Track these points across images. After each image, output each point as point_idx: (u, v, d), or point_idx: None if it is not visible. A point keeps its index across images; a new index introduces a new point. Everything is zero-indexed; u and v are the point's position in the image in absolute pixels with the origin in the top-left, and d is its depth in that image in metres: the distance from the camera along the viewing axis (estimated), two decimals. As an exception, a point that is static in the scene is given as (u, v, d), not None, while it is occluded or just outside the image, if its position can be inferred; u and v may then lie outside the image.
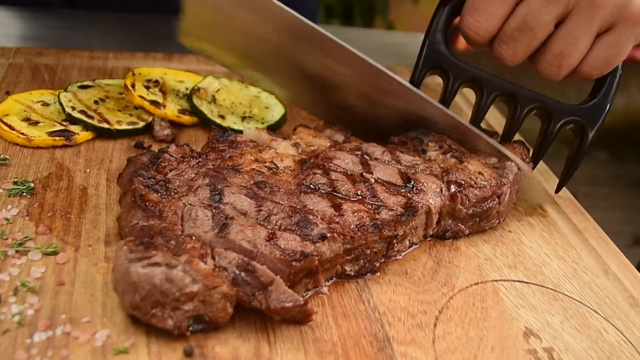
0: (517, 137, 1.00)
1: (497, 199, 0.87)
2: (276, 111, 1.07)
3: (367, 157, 0.88)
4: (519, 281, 0.83)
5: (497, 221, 0.90)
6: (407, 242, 0.82)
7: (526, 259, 0.87)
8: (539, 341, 0.75)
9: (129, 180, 0.77)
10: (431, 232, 0.85)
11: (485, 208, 0.86)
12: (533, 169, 0.97)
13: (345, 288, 0.76)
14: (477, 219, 0.87)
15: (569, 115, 0.94)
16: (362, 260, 0.77)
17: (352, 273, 0.77)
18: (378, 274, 0.79)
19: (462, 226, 0.87)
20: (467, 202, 0.85)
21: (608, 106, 0.94)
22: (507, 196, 0.88)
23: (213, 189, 0.76)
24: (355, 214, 0.77)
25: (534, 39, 0.88)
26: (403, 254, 0.83)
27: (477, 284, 0.81)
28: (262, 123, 1.03)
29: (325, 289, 0.75)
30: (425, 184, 0.84)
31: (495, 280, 0.82)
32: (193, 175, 0.79)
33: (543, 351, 0.73)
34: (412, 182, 0.84)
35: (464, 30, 0.90)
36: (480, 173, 0.89)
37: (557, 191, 1.01)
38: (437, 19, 0.94)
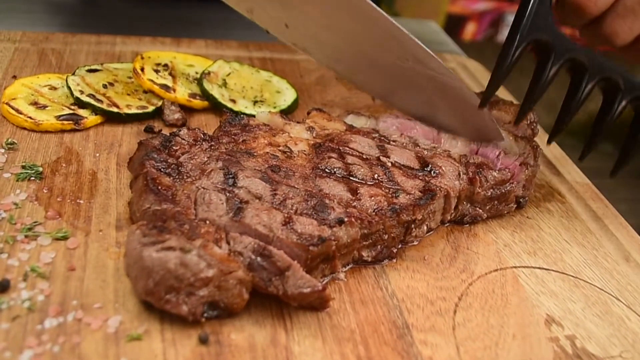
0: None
1: (515, 182, 0.85)
2: (288, 95, 1.05)
3: (385, 140, 0.86)
4: (539, 268, 0.81)
5: (515, 206, 0.88)
6: (425, 228, 0.80)
7: (545, 246, 0.85)
8: (561, 329, 0.73)
9: (141, 163, 0.75)
10: (449, 217, 0.83)
11: (503, 191, 0.84)
12: (581, 159, 0.89)
13: (362, 274, 0.75)
14: (496, 202, 0.85)
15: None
16: (379, 246, 0.75)
17: (369, 259, 0.75)
18: (395, 260, 0.77)
19: (480, 210, 0.85)
20: (486, 184, 0.83)
21: None
22: (525, 179, 0.87)
23: (227, 173, 0.74)
24: (373, 198, 0.75)
25: None
26: (420, 239, 0.81)
27: (496, 270, 0.79)
28: (274, 107, 1.01)
29: (342, 275, 0.73)
30: (443, 168, 0.82)
31: (515, 267, 0.80)
32: (206, 159, 0.77)
33: (565, 339, 0.71)
34: (430, 166, 0.82)
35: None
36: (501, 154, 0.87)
37: (612, 175, 0.89)
38: None
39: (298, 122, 0.88)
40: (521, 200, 0.88)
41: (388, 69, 0.88)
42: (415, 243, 0.80)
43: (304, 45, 0.91)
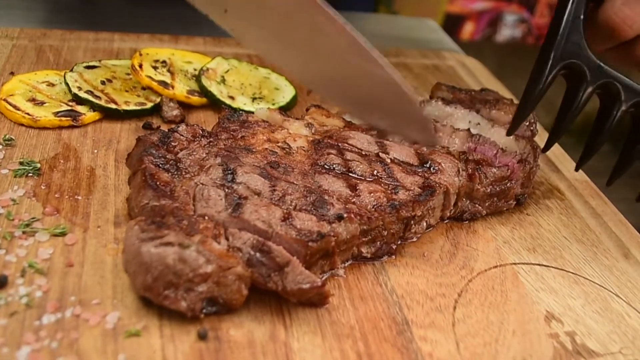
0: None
1: (514, 179, 0.85)
2: (287, 92, 1.05)
3: (384, 136, 0.86)
4: (539, 264, 0.81)
5: (514, 203, 0.88)
6: (424, 224, 0.80)
7: (545, 242, 0.85)
8: (560, 325, 0.72)
9: (139, 159, 0.74)
10: (448, 214, 0.83)
11: (502, 187, 0.84)
12: (577, 169, 0.88)
13: (361, 270, 0.74)
14: (495, 199, 0.85)
15: None
16: (378, 242, 0.75)
17: (369, 255, 0.75)
18: (395, 256, 0.77)
19: (480, 207, 0.84)
20: (485, 181, 0.83)
21: None
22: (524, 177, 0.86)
23: (225, 169, 0.74)
24: (372, 194, 0.75)
25: None
26: (420, 235, 0.81)
27: (496, 267, 0.79)
28: (273, 104, 1.01)
29: (341, 272, 0.73)
30: (442, 164, 0.82)
31: (515, 264, 0.80)
32: (204, 155, 0.77)
33: (565, 335, 0.71)
34: (429, 163, 0.82)
35: (615, 22, 0.77)
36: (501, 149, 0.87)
37: (608, 184, 0.86)
38: (573, 3, 0.74)
39: (297, 119, 0.88)
40: (520, 197, 0.88)
41: (323, 60, 0.83)
42: (415, 239, 0.80)
43: (242, 33, 0.86)
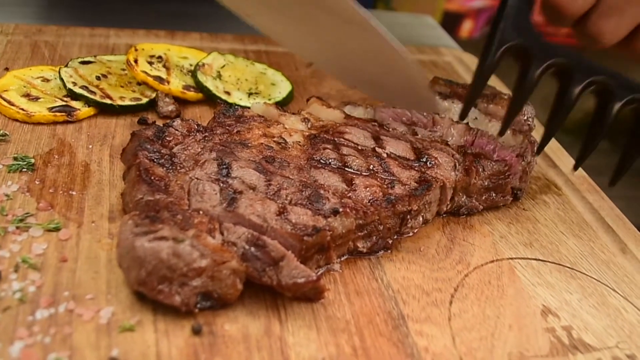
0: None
1: (512, 173, 0.85)
2: (283, 88, 1.04)
3: (383, 130, 0.86)
4: (535, 259, 0.81)
5: (511, 198, 0.88)
6: (421, 219, 0.79)
7: (542, 237, 0.85)
8: (557, 319, 0.72)
9: (134, 154, 0.74)
10: (445, 209, 0.82)
11: (500, 182, 0.84)
12: (575, 169, 0.85)
13: (357, 265, 0.74)
14: (492, 193, 0.84)
15: None
16: (374, 237, 0.74)
17: (365, 250, 0.75)
18: (391, 251, 0.77)
19: (476, 202, 0.84)
20: (483, 174, 0.83)
21: None
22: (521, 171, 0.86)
23: (220, 163, 0.73)
24: (368, 188, 0.75)
25: None
26: (416, 230, 0.80)
27: (492, 261, 0.79)
28: (269, 99, 1.01)
29: (337, 266, 0.73)
30: (439, 159, 0.81)
31: (511, 258, 0.80)
32: (199, 150, 0.76)
33: (562, 329, 0.71)
34: (426, 157, 0.81)
35: None
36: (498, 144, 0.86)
37: (611, 184, 0.83)
38: None
39: (293, 114, 0.87)
40: (517, 192, 0.88)
41: (323, 32, 0.82)
42: (411, 234, 0.80)
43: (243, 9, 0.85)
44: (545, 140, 0.81)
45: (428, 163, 0.81)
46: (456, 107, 0.93)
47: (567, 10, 0.74)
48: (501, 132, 0.81)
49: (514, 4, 0.73)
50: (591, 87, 0.76)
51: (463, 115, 0.79)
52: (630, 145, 0.80)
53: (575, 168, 0.84)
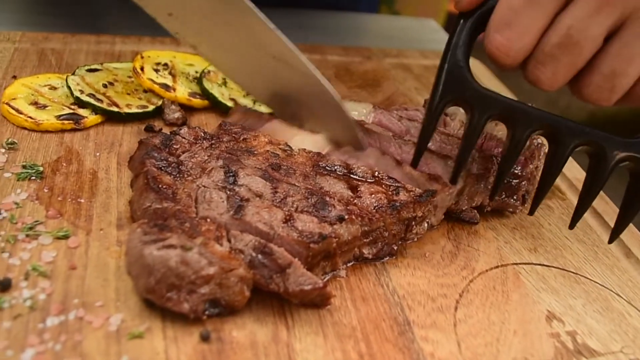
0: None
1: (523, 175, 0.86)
2: (288, 94, 1.05)
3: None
4: (540, 264, 0.81)
5: (521, 207, 0.88)
6: (426, 225, 0.80)
7: (546, 242, 0.85)
8: (562, 325, 0.73)
9: (141, 162, 0.75)
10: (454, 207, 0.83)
11: (512, 183, 0.84)
12: (571, 227, 0.81)
13: (363, 271, 0.75)
14: (503, 194, 0.85)
15: (626, 150, 0.75)
16: (380, 243, 0.75)
17: (370, 256, 0.75)
18: (396, 257, 0.78)
19: (487, 202, 0.85)
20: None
21: None
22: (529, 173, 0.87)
23: (227, 171, 0.74)
24: (373, 195, 0.75)
25: (579, 56, 0.70)
26: (421, 236, 0.81)
27: (497, 267, 0.79)
28: (274, 106, 1.01)
29: (342, 273, 0.73)
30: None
31: (516, 264, 0.80)
32: (206, 158, 0.77)
33: (566, 335, 0.72)
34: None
35: (491, 51, 0.72)
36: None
37: (610, 241, 0.82)
38: (457, 37, 0.74)
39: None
40: (525, 195, 0.88)
41: (253, 60, 0.87)
42: (416, 240, 0.80)
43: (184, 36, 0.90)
44: (496, 185, 0.79)
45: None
46: (462, 111, 0.94)
47: (503, 62, 0.72)
48: (452, 180, 0.80)
49: (453, 56, 0.74)
50: (536, 133, 0.76)
51: (414, 163, 0.80)
52: (628, 203, 0.79)
53: (571, 227, 0.81)
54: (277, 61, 0.84)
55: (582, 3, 0.68)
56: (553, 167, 0.76)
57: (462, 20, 0.74)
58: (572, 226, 0.80)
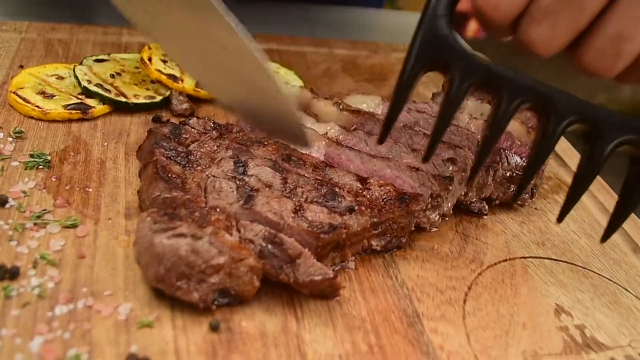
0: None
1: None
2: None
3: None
4: (548, 258, 0.81)
5: (529, 199, 0.88)
6: (437, 215, 0.80)
7: (554, 236, 0.85)
8: (570, 318, 0.73)
9: (150, 152, 0.74)
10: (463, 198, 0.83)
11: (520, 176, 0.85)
12: (559, 221, 0.72)
13: (372, 263, 0.75)
14: (512, 186, 0.85)
15: (626, 132, 0.65)
16: (388, 235, 0.75)
17: (379, 248, 0.75)
18: (404, 249, 0.77)
19: (496, 193, 0.85)
20: (507, 165, 0.83)
21: None
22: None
23: (237, 161, 0.74)
24: (382, 188, 0.75)
25: (580, 13, 0.60)
26: (435, 229, 0.81)
27: (505, 260, 0.79)
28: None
29: (351, 264, 0.73)
30: (457, 157, 0.82)
31: (524, 257, 0.80)
32: (215, 148, 0.77)
33: (575, 328, 0.71)
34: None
35: (478, 5, 0.63)
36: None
37: (603, 240, 0.73)
38: None
39: (325, 98, 0.89)
40: (533, 189, 0.88)
41: (209, 56, 0.80)
42: (431, 231, 0.81)
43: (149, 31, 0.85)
44: (475, 168, 0.70)
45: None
46: (470, 103, 0.94)
47: (492, 17, 0.63)
48: (424, 159, 0.70)
49: (433, 14, 0.64)
50: (525, 105, 0.66)
51: (381, 139, 0.70)
52: (623, 200, 0.70)
53: (559, 220, 0.73)
54: (228, 52, 0.77)
55: None
56: (543, 146, 0.67)
57: None
58: (560, 219, 0.71)
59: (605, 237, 0.72)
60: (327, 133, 0.84)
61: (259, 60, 0.76)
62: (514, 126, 0.89)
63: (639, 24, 0.60)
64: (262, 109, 0.79)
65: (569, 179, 0.97)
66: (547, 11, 0.61)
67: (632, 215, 0.92)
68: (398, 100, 0.67)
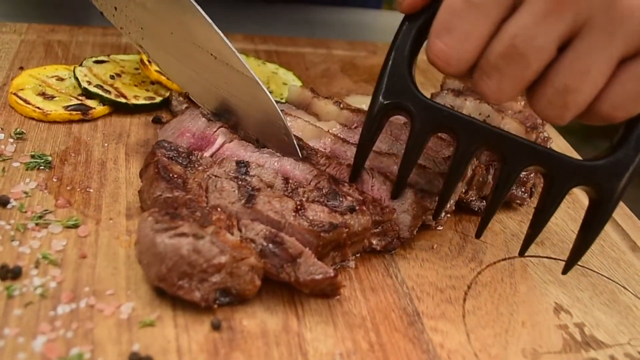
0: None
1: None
2: (294, 87, 1.05)
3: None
4: (547, 257, 0.82)
5: (529, 198, 0.88)
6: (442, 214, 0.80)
7: (553, 236, 0.86)
8: (569, 317, 0.73)
9: (151, 152, 0.75)
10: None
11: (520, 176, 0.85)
12: (521, 254, 0.75)
13: (372, 262, 0.75)
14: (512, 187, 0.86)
15: (578, 177, 0.68)
16: (389, 236, 0.75)
17: (379, 247, 0.75)
18: (404, 249, 0.78)
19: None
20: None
21: (637, 160, 0.66)
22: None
23: (239, 161, 0.74)
24: (384, 188, 0.75)
25: (527, 68, 0.62)
26: (439, 226, 0.82)
27: (504, 259, 0.80)
28: (281, 99, 1.01)
29: (352, 263, 0.74)
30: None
31: (525, 256, 0.80)
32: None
33: (574, 326, 0.72)
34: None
35: (431, 58, 0.65)
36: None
37: (564, 272, 0.75)
38: (401, 41, 0.68)
39: (325, 97, 0.89)
40: (532, 188, 0.89)
41: (195, 65, 0.84)
42: (435, 229, 0.82)
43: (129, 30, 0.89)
44: (440, 204, 0.74)
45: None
46: (469, 103, 0.94)
47: (445, 71, 0.65)
48: (393, 195, 0.75)
49: (395, 61, 0.68)
50: (481, 149, 0.71)
51: (352, 178, 0.76)
52: (585, 232, 0.72)
53: (477, 236, 0.76)
54: (217, 61, 0.80)
55: (528, 9, 0.60)
56: (499, 189, 0.70)
57: (406, 23, 0.68)
58: (521, 253, 0.75)
59: (565, 271, 0.75)
60: (329, 131, 0.84)
61: (245, 66, 0.78)
62: (513, 126, 0.89)
63: (584, 77, 0.61)
64: (248, 117, 0.82)
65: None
66: (494, 67, 0.63)
67: (631, 214, 0.93)
68: (364, 147, 0.73)
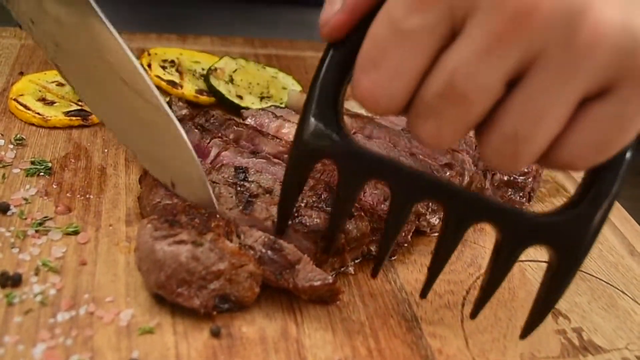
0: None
1: (531, 176, 0.87)
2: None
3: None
4: (545, 262, 0.81)
5: (527, 203, 0.89)
6: (437, 219, 0.80)
7: (551, 240, 0.86)
8: (567, 321, 0.73)
9: (150, 158, 0.75)
10: None
11: (520, 180, 0.85)
12: (473, 317, 0.66)
13: (371, 268, 0.75)
14: (510, 190, 0.86)
15: (534, 236, 0.59)
16: (387, 241, 0.75)
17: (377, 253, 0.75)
18: (403, 254, 0.78)
19: (493, 196, 0.85)
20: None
21: (599, 218, 0.56)
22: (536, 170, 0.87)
23: (237, 167, 0.74)
24: (375, 192, 0.76)
25: (468, 110, 0.50)
26: (435, 233, 0.82)
27: (503, 264, 0.80)
28: (281, 103, 1.02)
29: (350, 269, 0.74)
30: (454, 161, 0.82)
31: (521, 261, 0.81)
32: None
33: (572, 331, 0.72)
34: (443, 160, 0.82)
35: (357, 97, 0.53)
36: None
37: (522, 338, 0.65)
38: (324, 77, 0.56)
39: None
40: (531, 192, 0.89)
41: (113, 102, 0.76)
42: (430, 236, 0.81)
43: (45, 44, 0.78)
44: (379, 258, 0.65)
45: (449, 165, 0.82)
46: None
47: (374, 112, 0.54)
48: (325, 250, 0.68)
49: (320, 102, 0.57)
50: (423, 199, 0.61)
51: (278, 230, 0.68)
52: (543, 296, 0.63)
53: (423, 296, 0.67)
54: (126, 86, 0.71)
55: (468, 39, 0.48)
56: (442, 246, 0.62)
57: (330, 52, 0.56)
58: (473, 316, 0.66)
59: (523, 335, 0.65)
60: None
61: (158, 98, 0.68)
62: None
63: (537, 122, 0.49)
64: (160, 156, 0.73)
65: (567, 183, 0.99)
66: (431, 108, 0.52)
67: (629, 217, 0.94)
68: (289, 196, 0.64)
